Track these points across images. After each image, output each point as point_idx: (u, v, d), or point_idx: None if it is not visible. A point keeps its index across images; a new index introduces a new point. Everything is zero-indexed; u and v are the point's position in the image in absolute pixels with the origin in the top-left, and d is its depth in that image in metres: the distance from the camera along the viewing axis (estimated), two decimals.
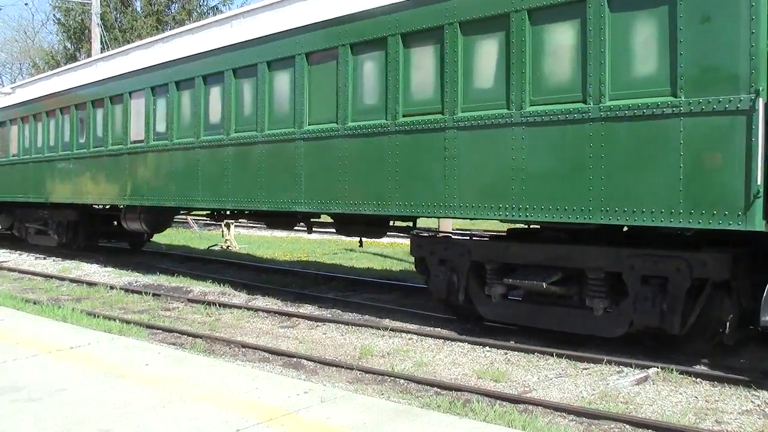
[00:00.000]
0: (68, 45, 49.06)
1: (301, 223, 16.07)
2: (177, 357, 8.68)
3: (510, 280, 10.20)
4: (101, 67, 19.74)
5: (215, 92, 14.90)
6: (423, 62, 10.94)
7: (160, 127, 16.56)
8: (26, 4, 53.59)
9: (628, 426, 6.99)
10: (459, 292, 11.07)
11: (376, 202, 11.53)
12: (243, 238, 27.27)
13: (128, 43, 35.97)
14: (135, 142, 17.41)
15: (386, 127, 11.34)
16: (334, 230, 15.73)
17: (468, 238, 12.38)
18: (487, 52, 10.11)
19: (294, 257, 21.33)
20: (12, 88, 26.22)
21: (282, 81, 13.28)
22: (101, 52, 28.16)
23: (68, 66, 24.04)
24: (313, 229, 16.69)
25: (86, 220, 22.29)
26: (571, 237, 10.06)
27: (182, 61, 15.81)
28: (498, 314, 10.76)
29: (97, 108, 19.03)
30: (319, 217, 15.34)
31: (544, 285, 9.68)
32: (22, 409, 6.42)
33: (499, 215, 9.99)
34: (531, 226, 11.24)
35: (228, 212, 17.13)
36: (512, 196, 9.69)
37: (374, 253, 21.40)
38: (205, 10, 46.40)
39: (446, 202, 10.53)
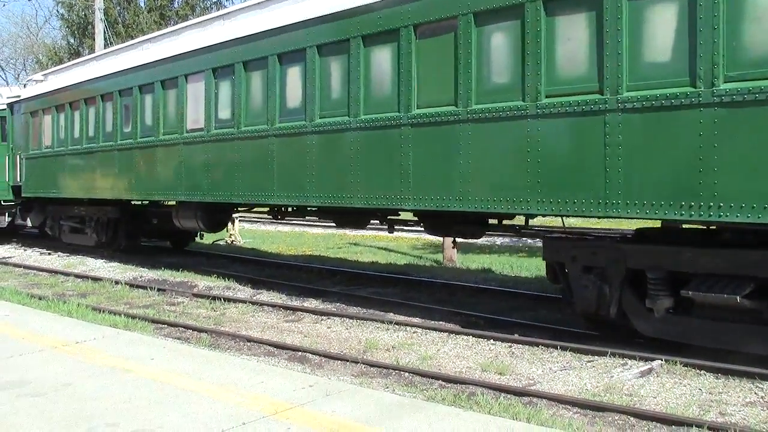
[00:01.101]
0: (71, 41, 49.21)
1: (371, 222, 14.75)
2: (182, 351, 8.70)
3: (690, 292, 8.49)
4: (149, 49, 17.88)
5: (294, 73, 13.11)
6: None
7: (224, 113, 14.79)
8: (30, 0, 53.42)
9: (632, 418, 7.00)
10: (611, 304, 9.39)
11: (510, 198, 9.79)
12: (247, 233, 27.33)
13: (131, 38, 36.08)
14: (192, 130, 15.67)
15: (524, 110, 9.59)
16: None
17: (617, 240, 10.60)
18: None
19: (299, 252, 21.37)
20: (44, 75, 24.45)
21: (381, 59, 11.59)
22: (104, 48, 28.14)
23: (108, 50, 22.26)
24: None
25: (127, 217, 20.59)
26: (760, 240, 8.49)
27: (252, 38, 13.97)
28: (662, 331, 9.01)
29: (146, 94, 17.28)
30: (398, 215, 14.07)
31: (738, 299, 8.08)
32: (29, 403, 6.45)
33: (690, 215, 8.19)
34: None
35: (286, 209, 15.51)
36: (701, 192, 8.01)
37: (379, 247, 21.42)
38: (208, 5, 46.46)
39: (608, 199, 8.78)
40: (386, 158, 11.36)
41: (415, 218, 13.00)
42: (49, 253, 22.65)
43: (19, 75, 59.18)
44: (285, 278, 15.96)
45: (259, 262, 19.04)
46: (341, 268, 17.31)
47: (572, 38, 9.15)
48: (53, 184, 21.77)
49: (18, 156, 24.30)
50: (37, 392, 6.78)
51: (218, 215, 16.93)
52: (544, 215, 10.00)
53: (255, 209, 18.32)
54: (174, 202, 17.70)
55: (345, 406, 6.22)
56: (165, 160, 16.63)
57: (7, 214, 26.18)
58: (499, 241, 23.04)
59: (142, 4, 46.67)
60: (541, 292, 13.15)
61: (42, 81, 23.63)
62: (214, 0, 47.10)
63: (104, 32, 29.56)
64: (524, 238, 23.19)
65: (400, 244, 22.22)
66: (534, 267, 16.86)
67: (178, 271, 17.24)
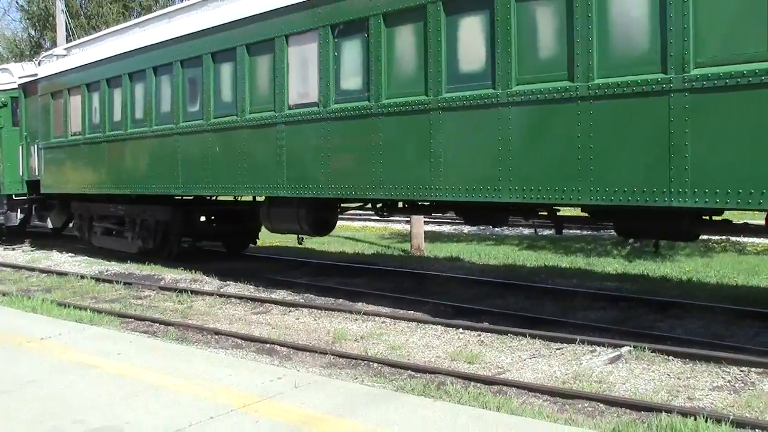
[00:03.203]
0: (32, 33, 48.50)
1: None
2: (149, 345, 8.62)
3: None
4: (224, 6, 14.30)
5: (474, 24, 9.97)
6: None
7: (349, 82, 11.69)
8: None
9: (602, 405, 7.03)
10: None
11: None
12: None
13: (95, 30, 35.63)
14: (298, 106, 12.40)
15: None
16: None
17: None
18: None
19: (266, 243, 21.25)
20: (66, 49, 20.64)
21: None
22: (66, 41, 27.75)
23: (161, 12, 17.91)
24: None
25: (180, 218, 17.12)
26: None
27: None
28: None
29: (222, 63, 14.02)
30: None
31: None
32: None
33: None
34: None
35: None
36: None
37: (346, 237, 21.38)
38: None
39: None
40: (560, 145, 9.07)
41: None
42: (13, 248, 22.34)
43: None
44: (252, 270, 15.86)
45: (226, 254, 18.90)
46: (309, 258, 17.26)
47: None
48: (83, 179, 18.61)
49: (35, 145, 20.87)
50: (1, 390, 6.68)
51: (327, 214, 13.62)
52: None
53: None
54: (236, 197, 16.00)
55: (314, 397, 6.18)
56: (252, 146, 13.42)
57: (19, 210, 22.33)
58: (466, 229, 23.08)
59: None
60: (510, 280, 13.19)
61: (65, 56, 20.15)
62: None
63: (66, 24, 29.10)
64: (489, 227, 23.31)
65: (367, 234, 22.20)
66: (502, 255, 16.93)
67: (144, 264, 17.07)
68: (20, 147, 21.52)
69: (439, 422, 5.51)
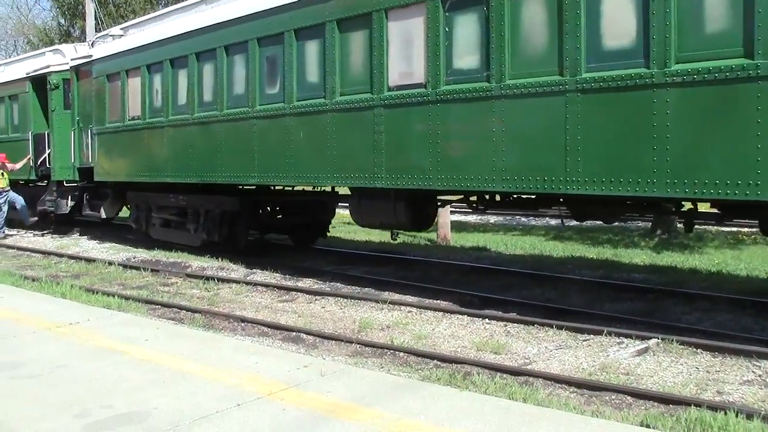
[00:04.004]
0: (62, 21, 48.78)
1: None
2: (176, 332, 8.66)
3: None
4: None
5: None
6: None
7: (464, 60, 10.47)
8: None
9: (629, 397, 6.98)
10: None
11: None
12: None
13: (123, 19, 35.79)
14: (400, 87, 11.29)
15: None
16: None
17: None
18: None
19: None
20: (122, 29, 19.50)
21: None
22: (95, 29, 27.88)
23: None
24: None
25: (249, 209, 16.24)
26: None
27: None
28: None
29: (307, 40, 12.86)
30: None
31: None
32: (23, 386, 6.41)
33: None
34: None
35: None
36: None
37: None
38: None
39: None
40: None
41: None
42: (42, 234, 22.54)
43: (10, 56, 58.73)
44: (278, 258, 15.88)
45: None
46: (335, 247, 17.27)
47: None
48: (143, 166, 17.59)
49: (88, 131, 19.82)
50: (31, 374, 6.74)
51: (427, 208, 12.57)
52: None
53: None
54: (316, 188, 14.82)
55: (340, 386, 6.18)
56: (343, 132, 12.25)
57: (69, 197, 21.26)
58: (492, 219, 23.01)
59: None
60: (536, 271, 13.13)
61: (121, 36, 19.03)
62: None
63: (95, 12, 29.22)
64: (518, 216, 23.23)
65: None
66: (528, 245, 16.86)
67: (172, 251, 17.13)
68: (72, 132, 20.51)
69: (465, 412, 5.49)
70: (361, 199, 12.86)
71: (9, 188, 22.00)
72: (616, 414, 6.53)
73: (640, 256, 14.88)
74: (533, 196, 11.13)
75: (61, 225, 22.66)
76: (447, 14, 10.48)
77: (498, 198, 11.88)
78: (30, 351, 7.59)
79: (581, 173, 9.09)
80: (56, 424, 5.47)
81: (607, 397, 7.02)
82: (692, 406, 6.42)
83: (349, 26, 12.01)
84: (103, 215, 20.19)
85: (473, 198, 12.31)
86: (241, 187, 16.45)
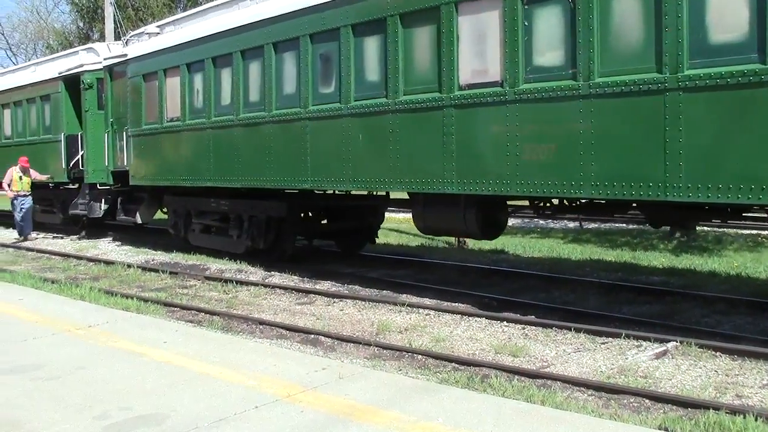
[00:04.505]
0: (81, 25, 49.14)
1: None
2: (195, 334, 8.70)
3: None
4: None
5: None
6: None
7: (545, 57, 9.79)
8: None
9: (647, 400, 6.95)
10: None
11: None
12: None
13: (142, 22, 35.95)
14: (472, 86, 10.51)
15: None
16: None
17: None
18: None
19: None
20: (158, 26, 18.69)
21: None
22: (114, 33, 28.04)
23: None
24: None
25: (297, 215, 15.66)
26: None
27: None
28: None
29: (365, 36, 12.13)
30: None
31: None
32: (43, 387, 6.46)
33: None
34: None
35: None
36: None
37: (390, 229, 21.37)
38: None
39: None
40: None
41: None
42: (62, 237, 22.66)
43: (30, 59, 59.14)
44: (297, 260, 15.89)
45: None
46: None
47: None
48: (182, 170, 16.82)
49: (123, 133, 18.96)
50: (51, 376, 6.79)
51: (498, 215, 11.95)
52: None
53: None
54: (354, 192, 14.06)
55: (358, 388, 6.20)
56: (406, 134, 11.48)
57: (103, 200, 20.62)
58: (510, 222, 22.94)
59: None
60: (555, 273, 13.10)
61: (157, 34, 18.23)
62: None
63: (114, 16, 29.40)
64: (536, 219, 23.16)
65: (411, 226, 22.11)
66: (546, 248, 16.82)
67: (190, 254, 17.20)
68: (105, 134, 19.75)
69: (483, 415, 5.49)
70: (425, 205, 12.14)
71: (29, 193, 21.50)
72: (635, 417, 6.50)
73: (658, 259, 14.82)
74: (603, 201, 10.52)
75: (92, 229, 22.25)
76: (526, 7, 9.80)
77: (566, 203, 11.30)
78: (50, 352, 7.64)
79: (682, 179, 8.39)
80: (76, 425, 5.50)
81: (625, 400, 7.00)
82: (711, 410, 6.38)
83: (414, 21, 11.30)
84: (139, 220, 19.41)
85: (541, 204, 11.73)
86: (282, 191, 15.57)
